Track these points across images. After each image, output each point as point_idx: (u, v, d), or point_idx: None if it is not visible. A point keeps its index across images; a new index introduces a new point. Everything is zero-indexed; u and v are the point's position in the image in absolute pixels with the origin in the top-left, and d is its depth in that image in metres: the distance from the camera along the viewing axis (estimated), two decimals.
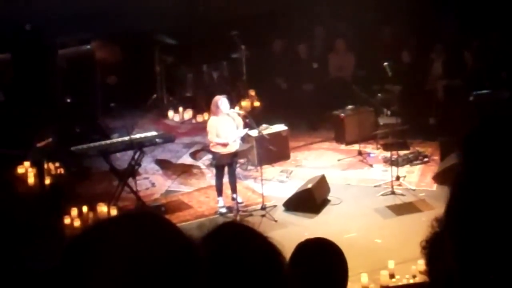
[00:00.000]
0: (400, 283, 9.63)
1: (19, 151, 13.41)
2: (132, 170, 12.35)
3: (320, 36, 17.78)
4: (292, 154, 14.33)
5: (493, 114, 2.45)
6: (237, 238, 2.50)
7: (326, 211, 12.07)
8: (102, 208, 11.96)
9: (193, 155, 14.68)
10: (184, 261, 1.77)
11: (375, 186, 12.82)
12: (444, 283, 2.34)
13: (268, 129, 13.69)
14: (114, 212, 11.87)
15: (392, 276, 9.73)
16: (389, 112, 14.44)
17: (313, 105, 16.07)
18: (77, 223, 11.56)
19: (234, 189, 12.17)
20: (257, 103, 16.34)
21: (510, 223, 2.08)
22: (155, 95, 17.09)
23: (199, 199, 12.75)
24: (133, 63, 16.51)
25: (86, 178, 13.45)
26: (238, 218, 11.57)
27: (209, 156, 13.57)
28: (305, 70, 16.72)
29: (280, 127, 14.11)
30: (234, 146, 12.08)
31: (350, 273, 3.87)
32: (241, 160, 13.61)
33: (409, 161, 13.74)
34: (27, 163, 13.17)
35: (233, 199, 12.12)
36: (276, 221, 11.66)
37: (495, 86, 14.50)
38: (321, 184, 12.31)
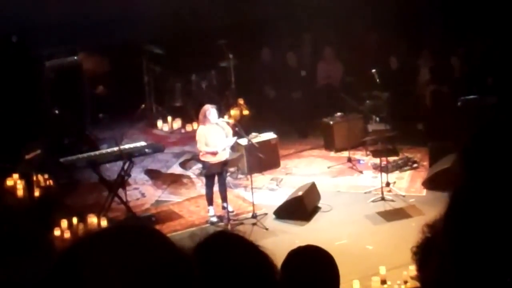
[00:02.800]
0: None
1: (7, 164, 13.37)
2: (122, 181, 12.33)
3: (308, 44, 17.81)
4: (282, 162, 14.33)
5: (491, 121, 2.46)
6: (228, 248, 2.50)
7: (317, 218, 12.08)
8: (92, 220, 11.92)
9: (183, 165, 14.66)
10: (176, 272, 1.77)
11: (365, 193, 12.84)
12: None
13: (258, 138, 13.70)
14: (104, 223, 11.84)
15: (383, 282, 9.73)
16: (377, 119, 14.47)
17: (302, 112, 16.09)
18: (67, 235, 11.52)
19: (224, 198, 12.16)
20: (246, 112, 16.34)
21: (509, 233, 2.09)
22: (143, 105, 17.06)
23: (190, 209, 12.73)
24: (121, 73, 16.49)
25: (75, 190, 13.42)
26: (229, 227, 11.58)
27: (199, 165, 13.57)
28: (294, 78, 16.73)
29: (270, 135, 14.11)
30: (224, 155, 12.08)
31: (341, 280, 3.87)
32: (231, 169, 13.60)
33: (398, 167, 13.77)
34: (16, 176, 13.10)
35: (224, 208, 12.12)
36: (267, 229, 11.66)
37: (482, 92, 14.56)
38: (312, 192, 12.32)
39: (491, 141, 2.36)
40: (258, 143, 13.19)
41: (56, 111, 14.98)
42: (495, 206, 2.15)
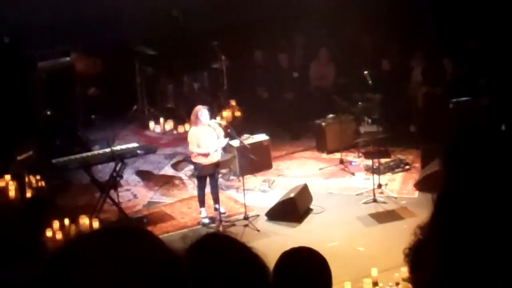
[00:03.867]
0: None
1: None
2: (114, 182, 12.30)
3: (300, 46, 17.81)
4: (274, 164, 14.31)
5: (472, 125, 2.49)
6: (220, 249, 2.50)
7: (309, 220, 12.08)
8: (84, 221, 11.91)
9: (175, 166, 14.65)
10: (168, 273, 1.77)
11: (357, 195, 12.84)
12: None
13: (250, 139, 13.68)
14: (96, 224, 11.83)
15: (375, 284, 9.74)
16: (370, 121, 14.48)
17: (294, 114, 16.10)
18: (59, 236, 11.51)
19: (216, 200, 12.15)
20: (238, 113, 16.35)
21: (492, 234, 2.10)
22: (135, 106, 17.05)
23: (182, 210, 12.72)
24: (113, 75, 16.46)
25: (67, 191, 13.39)
26: (220, 228, 11.56)
27: (191, 166, 13.54)
28: (286, 79, 16.73)
29: (262, 137, 14.09)
30: (216, 156, 12.07)
31: (333, 282, 3.88)
32: (223, 170, 13.60)
33: (390, 169, 13.77)
34: (7, 177, 13.09)
35: (216, 209, 12.11)
36: (258, 230, 11.65)
37: (475, 93, 14.58)
38: (304, 193, 12.32)
39: (471, 145, 2.38)
40: (250, 144, 13.17)
41: (48, 112, 14.95)
42: (476, 208, 2.16)
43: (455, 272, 2.17)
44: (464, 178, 2.30)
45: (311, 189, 12.60)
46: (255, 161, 13.17)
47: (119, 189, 12.57)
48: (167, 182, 13.99)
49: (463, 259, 2.14)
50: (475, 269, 2.14)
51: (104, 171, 13.11)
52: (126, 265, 1.72)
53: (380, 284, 9.73)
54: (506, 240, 2.13)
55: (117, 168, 12.28)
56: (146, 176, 14.26)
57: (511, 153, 2.34)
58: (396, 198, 12.62)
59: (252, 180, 13.54)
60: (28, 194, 12.78)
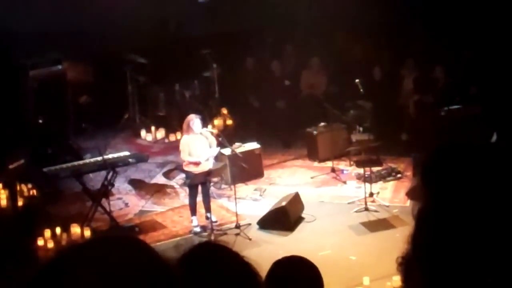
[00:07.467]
0: None
1: None
2: (105, 191, 12.30)
3: (293, 53, 17.81)
4: (265, 172, 14.32)
5: (448, 142, 2.50)
6: (213, 259, 2.49)
7: (300, 228, 12.08)
8: (76, 229, 11.89)
9: (167, 175, 14.63)
10: (161, 283, 1.76)
11: (349, 203, 12.84)
12: None
13: (241, 148, 13.69)
14: (87, 233, 11.81)
15: None
16: (361, 129, 14.49)
17: (286, 122, 16.09)
18: (50, 244, 11.49)
19: (208, 208, 12.14)
20: (229, 122, 16.34)
21: (472, 251, 2.11)
22: (127, 115, 17.02)
23: (173, 219, 12.70)
24: (105, 83, 16.44)
25: (59, 199, 13.36)
26: (212, 237, 11.55)
27: (183, 175, 13.53)
28: (278, 87, 16.72)
29: (253, 145, 14.11)
30: (207, 165, 12.08)
31: None
32: (215, 179, 13.58)
33: (382, 177, 13.78)
34: None
35: (207, 218, 12.10)
36: (250, 239, 11.65)
37: (466, 101, 14.61)
38: (295, 202, 12.31)
39: (448, 161, 2.39)
40: (241, 153, 13.18)
41: (40, 121, 14.93)
42: (456, 224, 2.17)
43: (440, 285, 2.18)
44: (441, 194, 2.31)
45: (303, 197, 12.60)
46: (246, 170, 13.20)
47: (111, 198, 12.57)
48: (158, 190, 13.97)
49: (445, 276, 2.15)
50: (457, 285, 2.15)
51: (95, 180, 13.09)
52: (119, 274, 1.71)
53: None
54: (487, 256, 2.14)
55: (109, 177, 12.27)
56: (137, 184, 14.23)
57: (487, 169, 2.35)
58: (387, 206, 12.63)
59: (243, 189, 13.53)
60: (20, 203, 12.74)
